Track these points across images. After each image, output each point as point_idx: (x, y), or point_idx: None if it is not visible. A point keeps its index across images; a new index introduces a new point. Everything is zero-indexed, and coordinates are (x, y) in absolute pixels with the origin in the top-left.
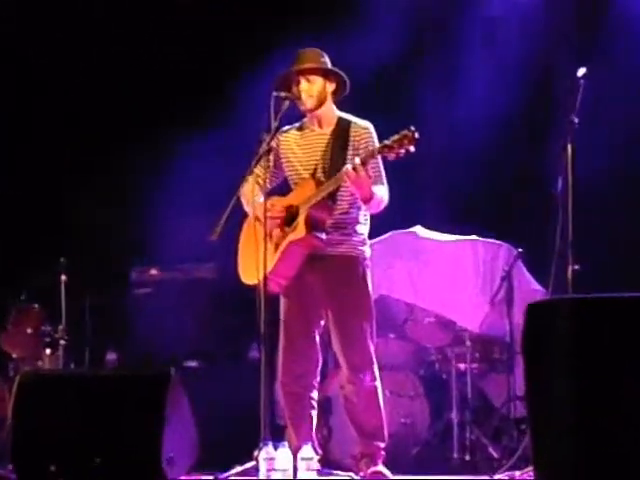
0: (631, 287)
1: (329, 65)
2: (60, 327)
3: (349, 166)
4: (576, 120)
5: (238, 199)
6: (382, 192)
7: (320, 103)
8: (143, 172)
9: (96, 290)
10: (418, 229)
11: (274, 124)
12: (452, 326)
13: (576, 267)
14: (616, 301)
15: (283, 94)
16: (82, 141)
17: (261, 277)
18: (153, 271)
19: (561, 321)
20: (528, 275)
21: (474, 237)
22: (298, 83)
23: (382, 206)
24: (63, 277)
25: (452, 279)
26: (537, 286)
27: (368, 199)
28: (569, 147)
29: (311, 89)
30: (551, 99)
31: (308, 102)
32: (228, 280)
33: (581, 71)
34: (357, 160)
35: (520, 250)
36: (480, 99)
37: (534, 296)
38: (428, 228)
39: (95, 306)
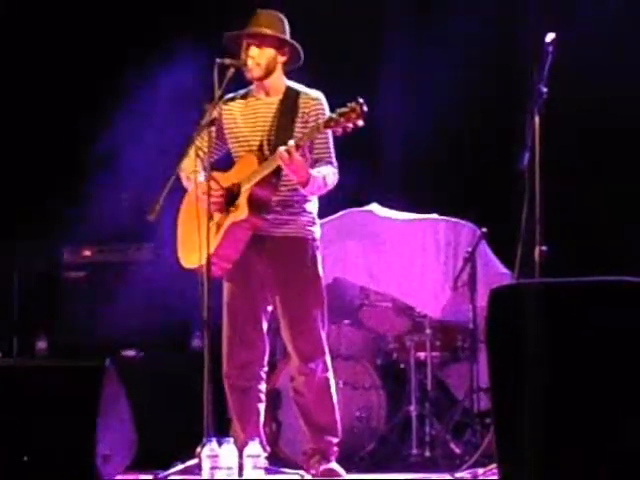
0: (602, 269)
1: (287, 34)
2: None
3: (282, 149)
4: (545, 90)
5: (177, 174)
6: (326, 172)
7: (267, 73)
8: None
9: (25, 271)
10: (374, 207)
11: (217, 93)
12: (411, 312)
13: (544, 248)
14: (586, 286)
15: (227, 61)
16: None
17: (204, 260)
18: (87, 251)
19: (527, 307)
20: (493, 257)
21: (435, 216)
22: (248, 47)
23: (324, 189)
24: None
25: (411, 261)
26: (502, 269)
27: (304, 183)
28: (536, 119)
29: (260, 56)
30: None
31: (254, 70)
32: (168, 262)
33: (550, 36)
34: (291, 142)
35: (484, 230)
36: (441, 70)
37: (499, 279)
38: (385, 206)
39: (24, 289)
